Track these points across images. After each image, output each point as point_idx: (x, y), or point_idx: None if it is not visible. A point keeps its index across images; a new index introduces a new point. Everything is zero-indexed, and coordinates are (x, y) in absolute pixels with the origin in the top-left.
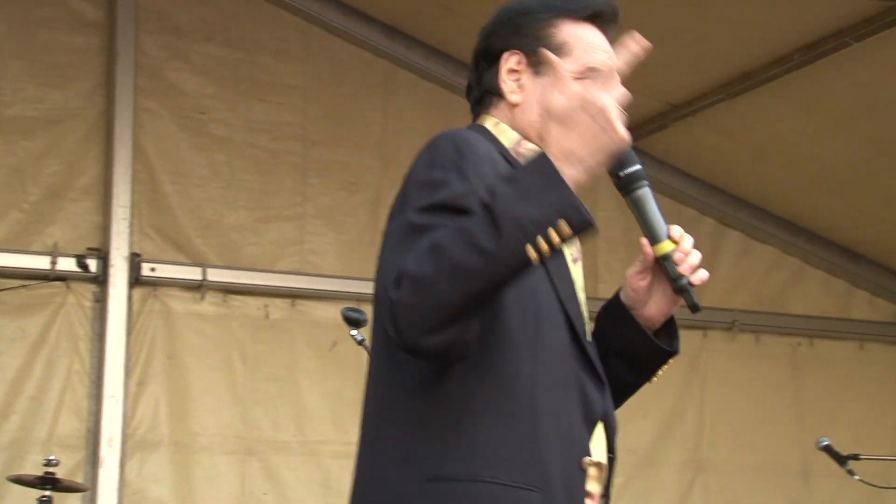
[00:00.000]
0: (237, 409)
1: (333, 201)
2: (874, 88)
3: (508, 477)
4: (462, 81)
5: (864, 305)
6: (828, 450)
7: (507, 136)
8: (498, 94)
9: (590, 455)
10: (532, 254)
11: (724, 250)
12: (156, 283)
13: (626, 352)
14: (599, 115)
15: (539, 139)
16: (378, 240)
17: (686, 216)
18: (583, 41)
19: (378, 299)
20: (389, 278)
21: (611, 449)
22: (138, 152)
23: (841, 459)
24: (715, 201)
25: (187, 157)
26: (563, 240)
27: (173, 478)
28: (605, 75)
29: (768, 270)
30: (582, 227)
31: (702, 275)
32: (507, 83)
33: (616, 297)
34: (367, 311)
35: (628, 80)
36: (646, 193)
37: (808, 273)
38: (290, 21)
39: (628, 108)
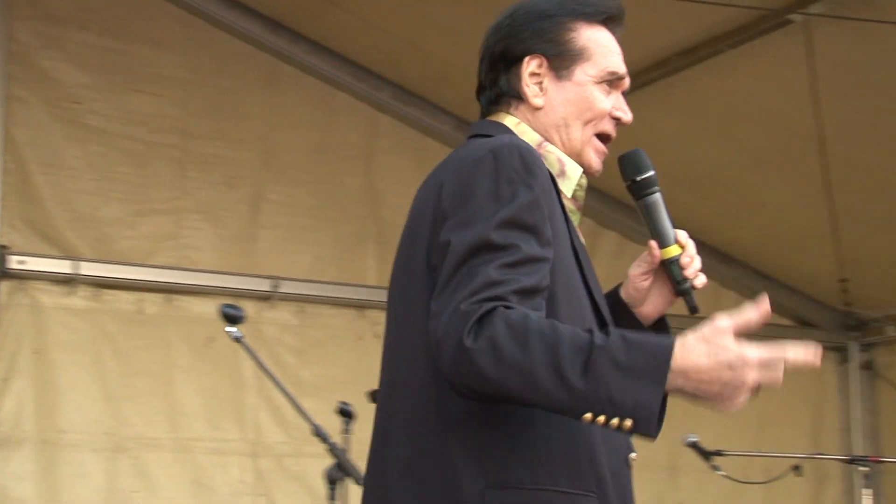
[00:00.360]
0: (107, 405)
1: (212, 196)
2: (747, 95)
3: (569, 483)
4: (344, 77)
5: (731, 306)
6: (694, 446)
7: (529, 137)
8: (518, 96)
9: (633, 450)
10: (587, 417)
11: (602, 250)
12: (24, 277)
13: None
14: (746, 377)
15: (560, 142)
16: (257, 234)
17: None
18: (601, 45)
19: (434, 316)
20: (472, 302)
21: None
22: (8, 142)
23: (706, 455)
24: (593, 202)
25: (60, 148)
26: (619, 429)
27: (37, 476)
28: (618, 81)
29: None
30: (641, 433)
31: (703, 279)
32: (529, 87)
33: (616, 293)
34: (246, 307)
35: None
36: (657, 199)
37: None
38: (170, 11)
39: None
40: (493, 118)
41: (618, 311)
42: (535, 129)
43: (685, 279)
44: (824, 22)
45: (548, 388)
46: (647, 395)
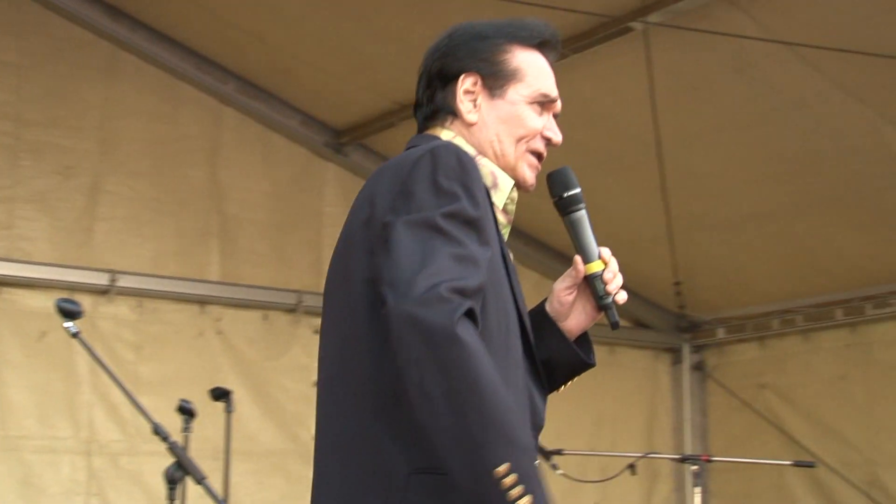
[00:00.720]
0: None
1: (47, 185)
2: (588, 100)
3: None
4: (187, 68)
5: None
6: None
7: (466, 149)
8: (453, 112)
9: (537, 459)
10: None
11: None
12: None
13: (547, 361)
14: None
15: (494, 157)
16: (94, 226)
17: None
18: (534, 67)
19: (396, 287)
20: (424, 283)
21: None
22: None
23: (546, 455)
24: (513, 242)
25: None
26: None
27: None
28: (550, 103)
29: None
30: None
31: (623, 296)
32: (464, 103)
33: (541, 308)
34: (83, 301)
35: (358, 76)
36: (582, 215)
37: (523, 275)
38: None
39: (356, 106)
40: (430, 132)
41: (543, 325)
42: (469, 144)
43: (607, 294)
44: (663, 31)
45: (462, 448)
46: None
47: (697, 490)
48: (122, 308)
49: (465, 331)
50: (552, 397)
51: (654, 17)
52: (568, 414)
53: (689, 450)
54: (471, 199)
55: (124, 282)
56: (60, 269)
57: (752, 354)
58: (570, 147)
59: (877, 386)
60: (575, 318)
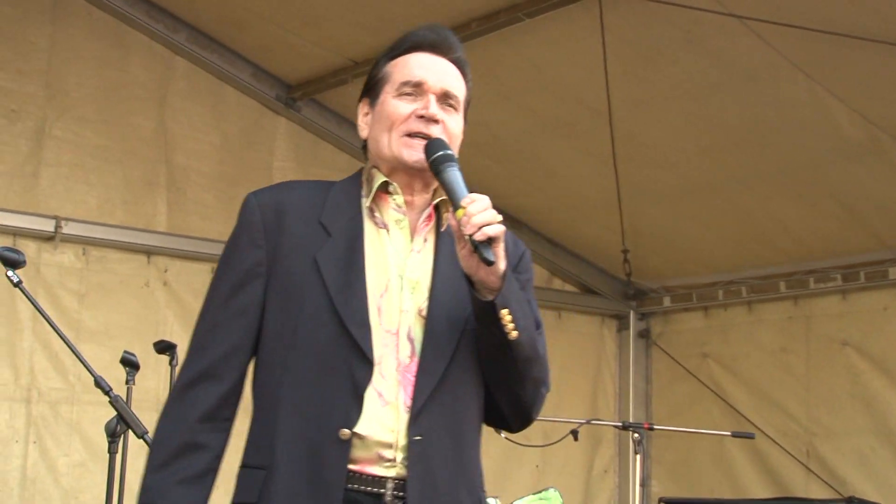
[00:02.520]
0: None
1: None
2: (541, 64)
3: (251, 460)
4: (138, 14)
5: None
6: None
7: (365, 168)
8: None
9: (350, 427)
10: None
11: None
12: None
13: (476, 314)
14: None
15: (380, 158)
16: (40, 172)
17: None
18: (399, 65)
19: None
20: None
21: (415, 418)
22: None
23: None
24: None
25: None
26: None
27: None
28: (421, 86)
29: None
30: None
31: (487, 230)
32: (360, 125)
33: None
34: (26, 247)
35: (311, 31)
36: (448, 173)
37: None
38: None
39: (309, 61)
40: None
41: (469, 287)
42: (369, 160)
43: (469, 236)
44: (617, 0)
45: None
46: None
47: (638, 456)
48: (67, 255)
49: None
50: None
51: None
52: None
53: (632, 416)
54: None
55: (70, 229)
56: (4, 214)
57: (696, 324)
58: (522, 111)
59: (817, 359)
60: (481, 267)
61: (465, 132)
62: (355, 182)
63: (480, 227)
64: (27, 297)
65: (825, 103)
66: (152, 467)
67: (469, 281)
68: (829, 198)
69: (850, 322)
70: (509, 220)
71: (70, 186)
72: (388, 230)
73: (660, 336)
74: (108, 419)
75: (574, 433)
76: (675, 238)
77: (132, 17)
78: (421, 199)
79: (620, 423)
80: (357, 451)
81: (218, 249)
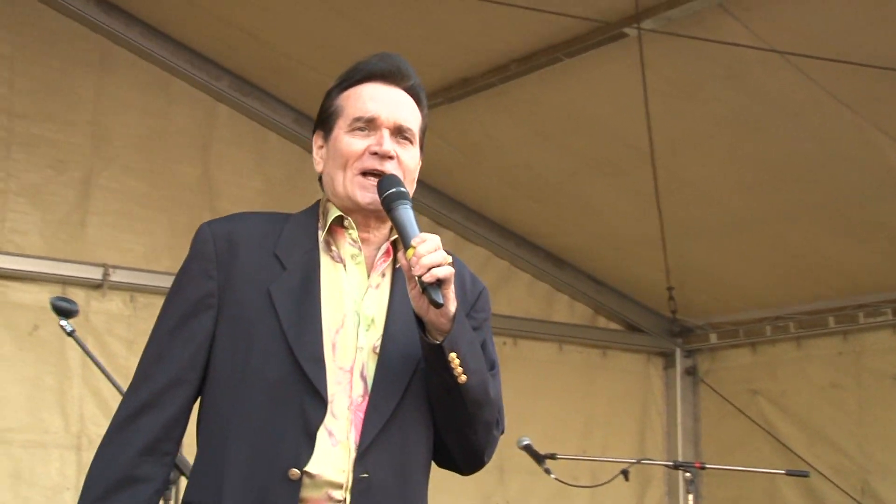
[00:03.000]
0: None
1: (39, 179)
2: (582, 104)
3: (195, 497)
4: (181, 63)
5: (564, 309)
6: (528, 449)
7: (323, 198)
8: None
9: (300, 467)
10: None
11: None
12: None
13: (426, 356)
14: None
15: (334, 195)
16: (87, 220)
17: None
18: (351, 98)
19: None
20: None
21: (361, 455)
22: None
23: (539, 458)
24: (430, 201)
25: None
26: None
27: None
28: (374, 122)
29: (479, 271)
30: None
31: (436, 272)
32: (315, 158)
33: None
34: (75, 295)
35: None
36: (399, 211)
37: (515, 275)
38: None
39: None
40: None
41: (419, 329)
42: (324, 193)
43: (418, 277)
44: (657, 37)
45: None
46: None
47: (690, 496)
48: (115, 303)
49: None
50: (542, 400)
51: (647, 24)
52: (559, 417)
53: (680, 454)
54: (180, 278)
55: (117, 276)
56: (53, 263)
57: (744, 360)
58: (563, 151)
59: (868, 394)
60: (431, 309)
61: (508, 173)
62: (312, 214)
63: (429, 269)
64: (80, 345)
65: (870, 137)
66: (86, 502)
67: (419, 322)
68: (876, 231)
69: None
70: (552, 259)
71: (116, 235)
72: (344, 265)
73: (707, 373)
74: None
75: (625, 473)
76: (720, 274)
77: (175, 66)
78: (378, 234)
79: (672, 463)
80: (307, 491)
81: None
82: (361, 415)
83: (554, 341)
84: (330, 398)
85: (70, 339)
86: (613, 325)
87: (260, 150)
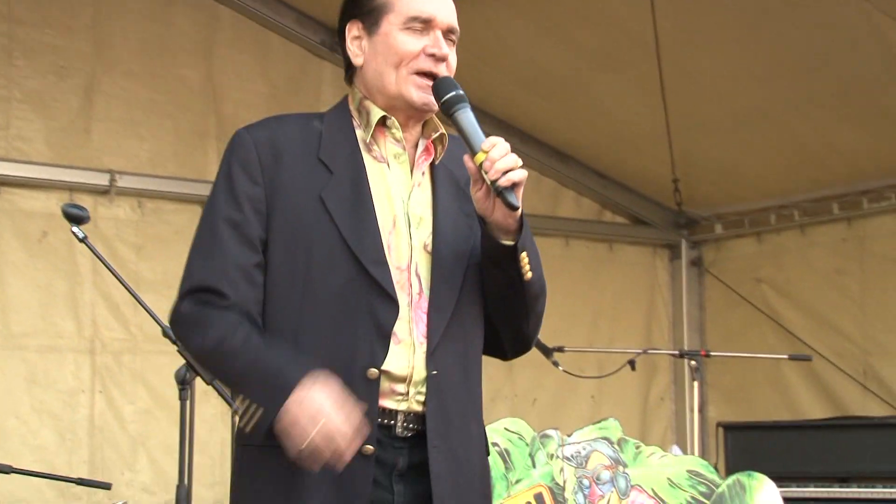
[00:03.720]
0: None
1: (42, 85)
2: None
3: None
4: None
5: (570, 203)
6: (536, 343)
7: (355, 98)
8: (351, 63)
9: (377, 365)
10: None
11: (540, 195)
12: None
13: (492, 255)
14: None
15: (378, 93)
16: (91, 127)
17: None
18: None
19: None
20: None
21: (431, 353)
22: None
23: (547, 352)
24: (532, 151)
25: None
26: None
27: None
28: (430, 23)
29: None
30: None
31: (512, 176)
32: (351, 50)
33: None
34: (83, 201)
35: None
36: (462, 114)
37: None
38: None
39: None
40: (348, 92)
41: (482, 228)
42: (360, 90)
43: (493, 181)
44: None
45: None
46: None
47: (696, 383)
48: (122, 209)
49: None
50: (550, 294)
51: None
52: (566, 311)
53: (686, 344)
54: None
55: (124, 182)
56: (59, 170)
57: (749, 249)
58: (568, 45)
59: (872, 279)
60: (499, 209)
61: (513, 69)
62: (345, 113)
63: (504, 173)
64: (93, 251)
65: (876, 22)
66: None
67: (481, 221)
68: (881, 117)
69: None
70: (557, 155)
71: (122, 141)
72: (388, 164)
73: (713, 264)
74: (169, 367)
75: (631, 363)
76: (725, 165)
77: None
78: (414, 133)
79: (677, 352)
80: (384, 386)
81: None
82: (422, 313)
83: (560, 236)
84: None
85: (79, 245)
86: (619, 219)
87: (263, 52)
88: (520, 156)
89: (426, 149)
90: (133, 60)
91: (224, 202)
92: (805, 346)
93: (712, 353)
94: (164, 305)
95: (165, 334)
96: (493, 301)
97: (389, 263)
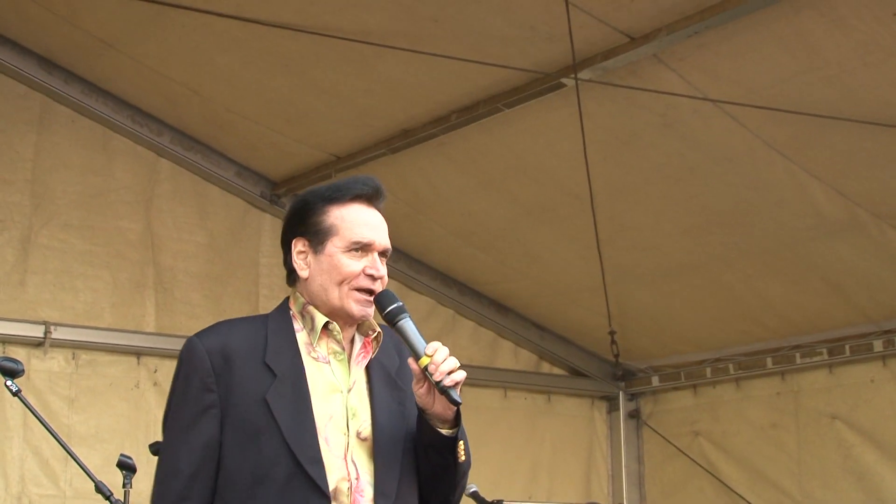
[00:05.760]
0: None
1: None
2: (522, 153)
3: None
4: (122, 120)
5: (508, 355)
6: (475, 496)
7: (297, 302)
8: (293, 271)
9: None
10: None
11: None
12: None
13: (431, 442)
14: None
15: (322, 302)
16: (27, 280)
17: None
18: (346, 221)
19: None
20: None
21: None
22: None
23: None
24: (402, 267)
25: None
26: None
27: None
28: (369, 247)
29: (424, 320)
30: None
31: (455, 377)
32: (297, 262)
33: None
34: (17, 354)
35: (293, 128)
36: (405, 323)
37: (459, 323)
38: None
39: (291, 158)
40: (290, 294)
41: (420, 416)
42: (303, 296)
43: (437, 382)
44: (594, 87)
45: None
46: None
47: None
48: (56, 360)
49: None
50: (488, 446)
51: (584, 74)
52: (505, 463)
53: (626, 497)
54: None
55: (59, 333)
56: None
57: (686, 402)
58: (505, 199)
59: (807, 433)
60: (439, 402)
61: (451, 221)
62: (286, 318)
63: (448, 374)
64: (26, 405)
65: (803, 182)
66: None
67: (421, 412)
68: (811, 274)
69: (838, 395)
70: (496, 306)
71: (57, 293)
72: (329, 363)
73: (650, 416)
74: None
75: None
76: (661, 318)
77: (116, 122)
78: (350, 331)
79: None
80: None
81: None
82: (360, 496)
83: (499, 387)
84: (332, 494)
85: (10, 399)
86: (557, 371)
87: (202, 204)
88: (459, 307)
89: (364, 346)
90: (71, 213)
91: (180, 414)
92: (743, 501)
93: None
94: (95, 459)
95: (98, 490)
96: (425, 479)
97: (328, 453)
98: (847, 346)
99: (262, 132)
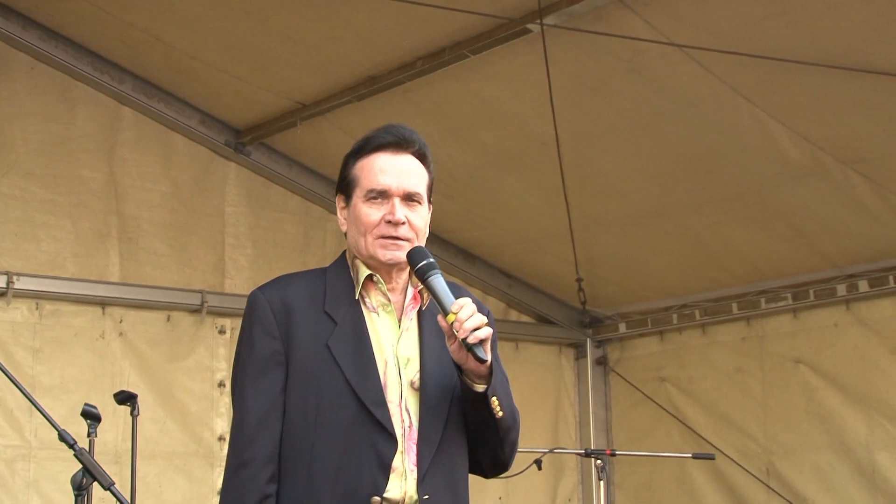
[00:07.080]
0: None
1: None
2: (487, 99)
3: None
4: (83, 67)
5: None
6: None
7: (350, 256)
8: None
9: (380, 494)
10: None
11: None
12: None
13: (468, 398)
14: None
15: (359, 253)
16: None
17: (313, 214)
18: (366, 170)
19: None
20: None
21: (422, 479)
22: None
23: None
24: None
25: None
26: None
27: None
28: (385, 193)
29: None
30: None
31: (479, 334)
32: (340, 218)
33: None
34: None
35: (258, 76)
36: (434, 280)
37: None
38: None
39: (256, 106)
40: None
41: (459, 374)
42: (349, 250)
43: (463, 339)
44: (560, 33)
45: None
46: None
47: (602, 483)
48: (20, 311)
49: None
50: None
51: (550, 19)
52: None
53: (593, 443)
54: (247, 340)
55: (22, 284)
56: None
57: (652, 348)
58: (471, 146)
59: (772, 377)
60: (470, 360)
61: None
62: (343, 268)
63: (472, 332)
64: None
65: (768, 127)
66: None
67: (458, 368)
68: (776, 219)
69: (803, 340)
70: (463, 254)
71: (20, 243)
72: (377, 314)
73: (617, 362)
74: (65, 474)
75: (538, 462)
76: (628, 265)
77: (77, 70)
78: (400, 280)
79: (583, 451)
80: None
81: (173, 297)
82: (412, 443)
83: None
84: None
85: None
86: (525, 318)
87: (166, 152)
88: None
89: (414, 297)
90: (32, 161)
91: (247, 364)
92: (709, 445)
93: (618, 453)
94: (61, 409)
95: (62, 438)
96: (472, 432)
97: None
98: (811, 291)
99: (227, 79)
